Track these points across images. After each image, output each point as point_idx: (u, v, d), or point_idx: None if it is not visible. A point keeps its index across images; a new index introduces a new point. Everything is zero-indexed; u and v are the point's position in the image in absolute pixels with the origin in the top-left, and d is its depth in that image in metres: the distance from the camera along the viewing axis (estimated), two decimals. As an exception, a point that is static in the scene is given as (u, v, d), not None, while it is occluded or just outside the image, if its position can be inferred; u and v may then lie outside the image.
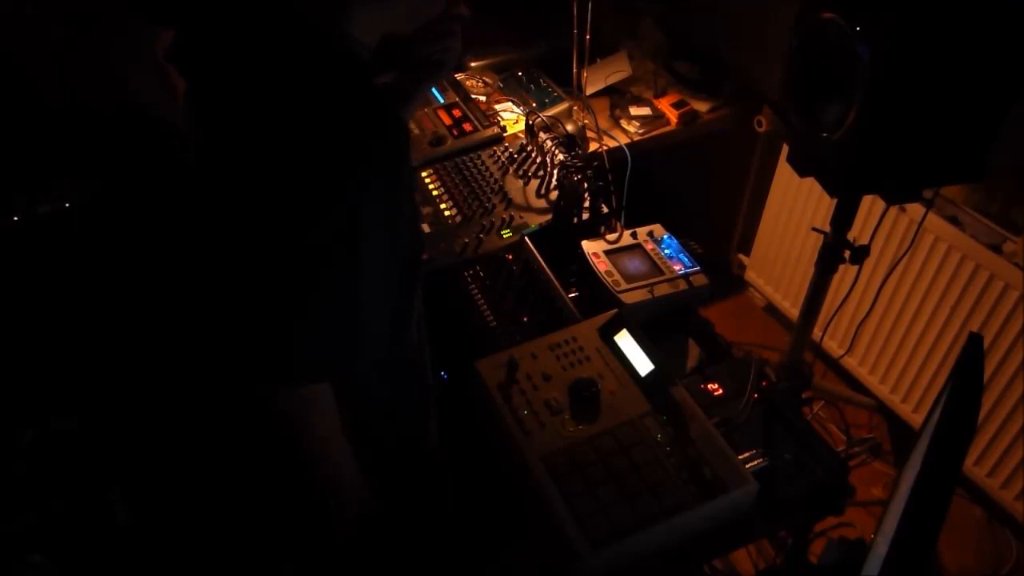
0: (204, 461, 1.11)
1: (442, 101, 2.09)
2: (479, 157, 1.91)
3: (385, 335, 1.01)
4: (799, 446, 1.31)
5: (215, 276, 0.97)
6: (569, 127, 1.99)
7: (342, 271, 0.90)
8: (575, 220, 1.71)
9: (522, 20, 2.36)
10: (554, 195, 1.76)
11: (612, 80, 2.39)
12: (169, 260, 1.00)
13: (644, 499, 1.13)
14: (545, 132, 1.89)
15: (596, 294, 1.55)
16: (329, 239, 0.88)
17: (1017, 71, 1.37)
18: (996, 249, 1.99)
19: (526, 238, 1.67)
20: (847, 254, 1.75)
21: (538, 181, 1.81)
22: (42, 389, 1.71)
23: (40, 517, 1.68)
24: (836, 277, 1.83)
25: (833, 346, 2.41)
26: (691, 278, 1.57)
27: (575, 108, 2.22)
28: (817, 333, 2.01)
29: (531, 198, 1.78)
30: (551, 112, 2.16)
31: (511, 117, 2.13)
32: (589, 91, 2.27)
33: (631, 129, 2.28)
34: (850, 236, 1.74)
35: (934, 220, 2.04)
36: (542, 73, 2.35)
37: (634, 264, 1.60)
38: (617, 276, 1.55)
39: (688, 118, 2.33)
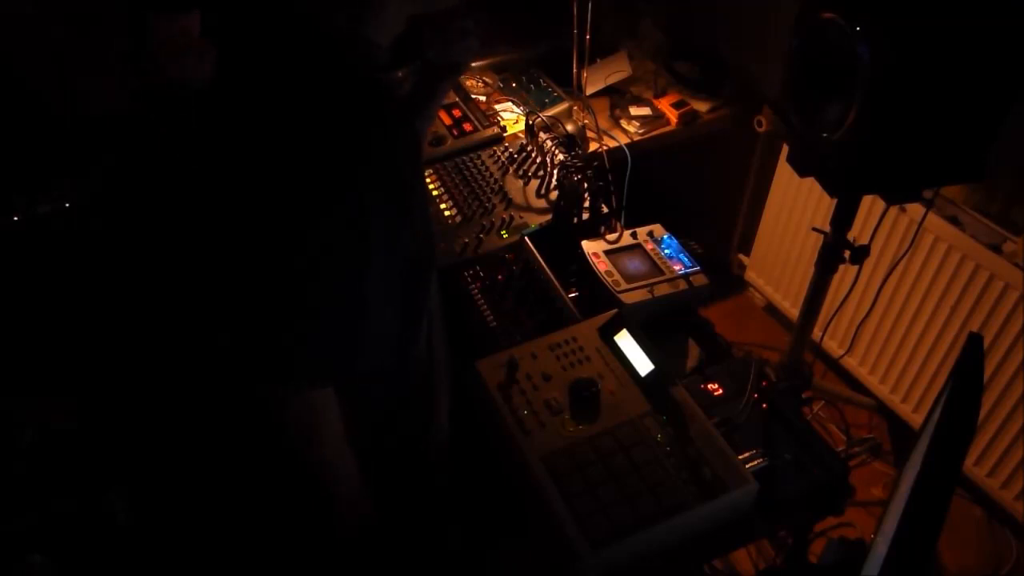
0: (205, 461, 1.11)
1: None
2: (479, 157, 1.91)
3: (391, 338, 1.01)
4: (799, 446, 1.31)
5: (216, 276, 0.97)
6: (569, 127, 1.99)
7: (344, 271, 0.90)
8: (575, 220, 1.71)
9: (522, 20, 2.36)
10: (554, 195, 1.76)
11: (612, 80, 2.39)
12: (170, 260, 1.00)
13: (644, 499, 1.13)
14: (545, 132, 1.89)
15: (596, 294, 1.55)
16: (331, 238, 0.88)
17: (1017, 71, 1.37)
18: (996, 249, 1.99)
19: (526, 238, 1.67)
20: (847, 254, 1.75)
21: (538, 181, 1.81)
22: (42, 389, 1.71)
23: (40, 517, 1.68)
24: (836, 277, 1.83)
25: (833, 346, 2.41)
26: (691, 278, 1.57)
27: (575, 108, 2.22)
28: (817, 333, 2.01)
29: (531, 198, 1.78)
30: (551, 112, 2.16)
31: (511, 117, 2.13)
32: (589, 91, 2.27)
33: (631, 129, 2.28)
34: (850, 236, 1.74)
35: (934, 220, 2.04)
36: (542, 73, 2.35)
37: (634, 264, 1.60)
38: (617, 276, 1.55)
39: (688, 118, 2.33)
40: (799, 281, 2.54)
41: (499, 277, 1.59)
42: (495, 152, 1.93)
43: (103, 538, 1.66)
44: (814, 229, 1.81)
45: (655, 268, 1.59)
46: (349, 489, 1.06)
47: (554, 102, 2.24)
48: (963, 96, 1.39)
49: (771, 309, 2.78)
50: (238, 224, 0.91)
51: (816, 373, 2.17)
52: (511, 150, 1.92)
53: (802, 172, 1.66)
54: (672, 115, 2.32)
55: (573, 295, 1.55)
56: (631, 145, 2.18)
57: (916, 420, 2.28)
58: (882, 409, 2.39)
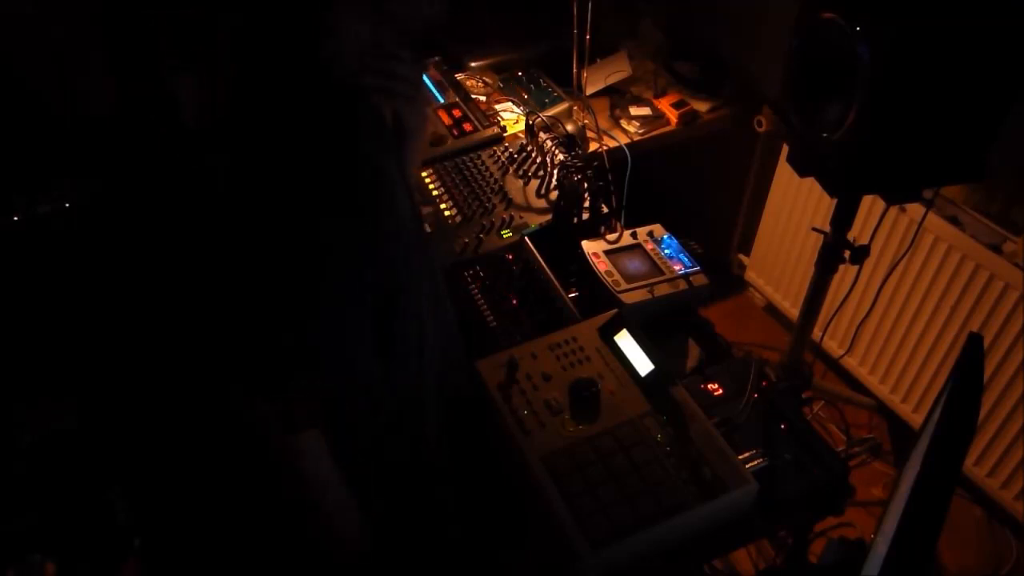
0: (205, 461, 1.11)
1: (442, 101, 2.09)
2: (479, 157, 1.91)
3: (362, 365, 1.01)
4: (799, 446, 1.31)
5: (216, 276, 0.97)
6: (569, 127, 1.99)
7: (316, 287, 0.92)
8: (575, 220, 1.71)
9: (522, 20, 2.36)
10: (554, 195, 1.76)
11: (612, 80, 2.39)
12: (169, 261, 1.00)
13: (644, 499, 1.13)
14: (545, 132, 1.89)
15: (596, 294, 1.55)
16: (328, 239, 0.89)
17: (1017, 71, 1.37)
18: (996, 249, 1.99)
19: (526, 238, 1.67)
20: (847, 254, 1.75)
21: (538, 181, 1.81)
22: (42, 389, 1.71)
23: (40, 517, 1.68)
24: (836, 277, 1.83)
25: (833, 346, 2.41)
26: (691, 278, 1.57)
27: (575, 108, 2.22)
28: (817, 333, 2.01)
29: (531, 198, 1.78)
30: (551, 112, 2.16)
31: (511, 117, 2.13)
32: (589, 91, 2.27)
33: (631, 129, 2.28)
34: (850, 236, 1.74)
35: (934, 220, 2.04)
36: (542, 73, 2.35)
37: (634, 264, 1.60)
38: (617, 276, 1.55)
39: (688, 118, 2.33)
40: (799, 281, 2.54)
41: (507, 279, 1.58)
42: (495, 152, 1.93)
43: (103, 538, 1.66)
44: (814, 229, 1.81)
45: (655, 268, 1.59)
46: (344, 521, 1.06)
47: (554, 102, 2.24)
48: (963, 96, 1.39)
49: (771, 309, 2.78)
50: (235, 226, 0.91)
51: (816, 373, 2.17)
52: (511, 150, 1.92)
53: (802, 172, 1.66)
54: (672, 115, 2.32)
55: (573, 295, 1.55)
56: (631, 145, 2.18)
57: (916, 420, 2.28)
58: (882, 409, 2.39)
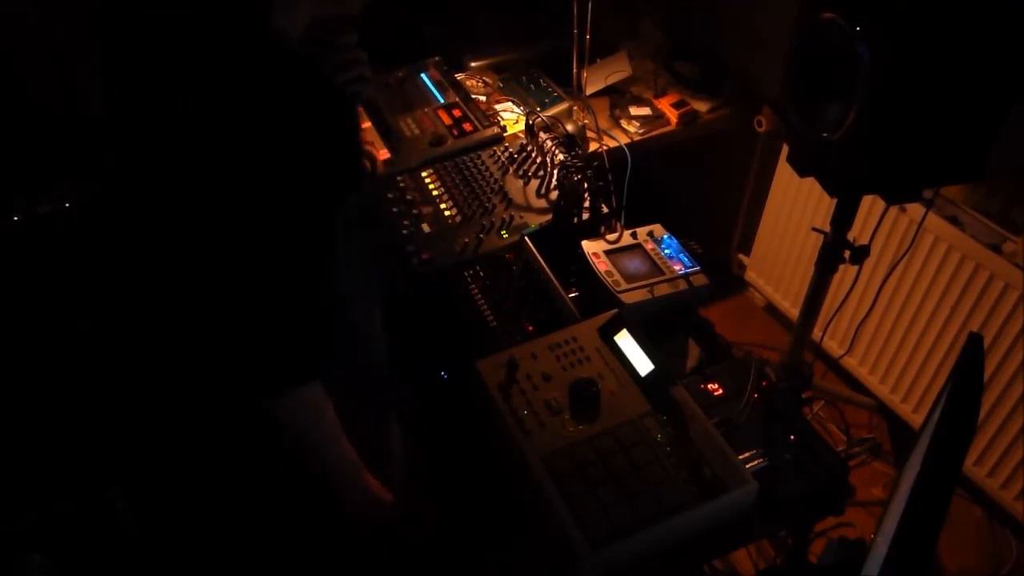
0: (205, 461, 1.11)
1: (442, 101, 2.09)
2: (479, 157, 1.91)
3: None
4: (799, 446, 1.31)
5: (216, 276, 0.97)
6: (569, 127, 1.99)
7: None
8: (575, 220, 1.71)
9: (522, 20, 2.36)
10: (554, 195, 1.76)
11: (612, 80, 2.39)
12: (169, 261, 1.00)
13: (644, 499, 1.13)
14: (545, 132, 1.89)
15: (596, 294, 1.55)
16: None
17: (1017, 71, 1.37)
18: (996, 249, 1.99)
19: (526, 238, 1.67)
20: (847, 254, 1.75)
21: (538, 181, 1.81)
22: (41, 389, 1.71)
23: (40, 517, 1.68)
24: (836, 277, 1.83)
25: (833, 346, 2.41)
26: (691, 278, 1.57)
27: (575, 108, 2.22)
28: (817, 333, 2.01)
29: (531, 198, 1.78)
30: (551, 112, 2.16)
31: (511, 117, 2.13)
32: (589, 91, 2.27)
33: (631, 129, 2.28)
34: (850, 236, 1.74)
35: (934, 220, 2.04)
36: (542, 73, 2.35)
37: (634, 264, 1.60)
38: (617, 276, 1.55)
39: (688, 118, 2.33)
40: (799, 281, 2.54)
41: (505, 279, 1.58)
42: (495, 152, 1.93)
43: (103, 538, 1.66)
44: (814, 229, 1.81)
45: (655, 268, 1.59)
46: (354, 483, 1.06)
47: (554, 102, 2.24)
48: (963, 96, 1.39)
49: (771, 309, 2.78)
50: (232, 224, 0.92)
51: (816, 373, 2.17)
52: (511, 150, 1.92)
53: (802, 172, 1.66)
54: (672, 115, 2.32)
55: (573, 295, 1.55)
56: (631, 145, 2.18)
57: (916, 420, 2.28)
58: (882, 409, 2.39)
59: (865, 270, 2.11)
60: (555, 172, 1.79)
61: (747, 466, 1.20)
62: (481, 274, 1.61)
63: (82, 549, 1.68)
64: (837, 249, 1.75)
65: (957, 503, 2.19)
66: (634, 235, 1.66)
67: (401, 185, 1.83)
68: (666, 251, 1.62)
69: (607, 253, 1.60)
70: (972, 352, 1.16)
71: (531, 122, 1.91)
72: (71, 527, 1.69)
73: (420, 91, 2.14)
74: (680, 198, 2.11)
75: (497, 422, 1.25)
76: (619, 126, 2.30)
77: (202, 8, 0.87)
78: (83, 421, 1.68)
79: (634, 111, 2.31)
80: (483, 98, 2.20)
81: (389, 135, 1.97)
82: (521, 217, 1.73)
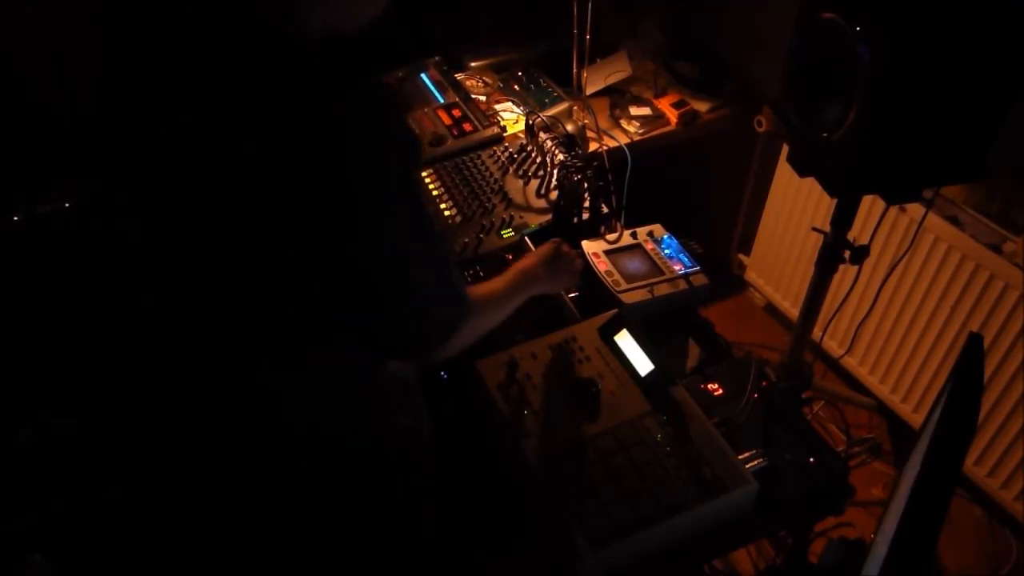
0: (205, 461, 1.11)
1: (442, 101, 2.09)
2: (479, 157, 1.91)
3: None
4: (799, 446, 1.31)
5: (216, 275, 0.97)
6: (569, 127, 1.99)
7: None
8: (575, 220, 1.71)
9: (522, 20, 2.36)
10: (554, 195, 1.76)
11: (612, 80, 2.39)
12: (170, 260, 1.00)
13: (644, 499, 1.13)
14: (545, 132, 1.89)
15: (596, 294, 1.55)
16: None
17: (1017, 71, 1.37)
18: (996, 249, 1.99)
19: (526, 238, 1.67)
20: (847, 254, 1.75)
21: (538, 181, 1.81)
22: (42, 389, 1.71)
23: (40, 517, 1.68)
24: (836, 277, 1.83)
25: (833, 346, 2.41)
26: (691, 278, 1.57)
27: (575, 108, 2.22)
28: (817, 333, 2.01)
29: (531, 198, 1.78)
30: (551, 112, 2.16)
31: (511, 117, 2.13)
32: (589, 91, 2.27)
33: (631, 129, 2.28)
34: (850, 236, 1.74)
35: (934, 220, 2.04)
36: (542, 73, 2.35)
37: (634, 264, 1.60)
38: (617, 276, 1.55)
39: (688, 118, 2.33)
40: (799, 281, 2.54)
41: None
42: (495, 152, 1.93)
43: (103, 538, 1.66)
44: (814, 229, 1.81)
45: (655, 268, 1.59)
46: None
47: (554, 102, 2.24)
48: (963, 96, 1.39)
49: (771, 309, 2.78)
50: (235, 223, 0.92)
51: (816, 373, 2.17)
52: (511, 150, 1.92)
53: (802, 172, 1.66)
54: (672, 115, 2.32)
55: (573, 295, 1.55)
56: (631, 145, 2.18)
57: (916, 420, 2.28)
58: (882, 409, 2.39)
59: (865, 270, 2.11)
60: (555, 172, 1.79)
61: (747, 466, 1.21)
62: (481, 274, 1.61)
63: (82, 549, 1.68)
64: (837, 249, 1.75)
65: (957, 503, 2.19)
66: (634, 235, 1.66)
67: (401, 185, 1.82)
68: (666, 251, 1.62)
69: (607, 253, 1.61)
70: (972, 352, 1.16)
71: (531, 122, 1.91)
72: (71, 527, 1.69)
73: (420, 91, 2.14)
74: (680, 198, 2.11)
75: (497, 422, 1.25)
76: (619, 126, 2.30)
77: (202, 8, 0.87)
78: (83, 421, 1.68)
79: (634, 111, 2.31)
80: (483, 98, 2.20)
81: (389, 135, 1.96)
82: (521, 217, 1.73)
